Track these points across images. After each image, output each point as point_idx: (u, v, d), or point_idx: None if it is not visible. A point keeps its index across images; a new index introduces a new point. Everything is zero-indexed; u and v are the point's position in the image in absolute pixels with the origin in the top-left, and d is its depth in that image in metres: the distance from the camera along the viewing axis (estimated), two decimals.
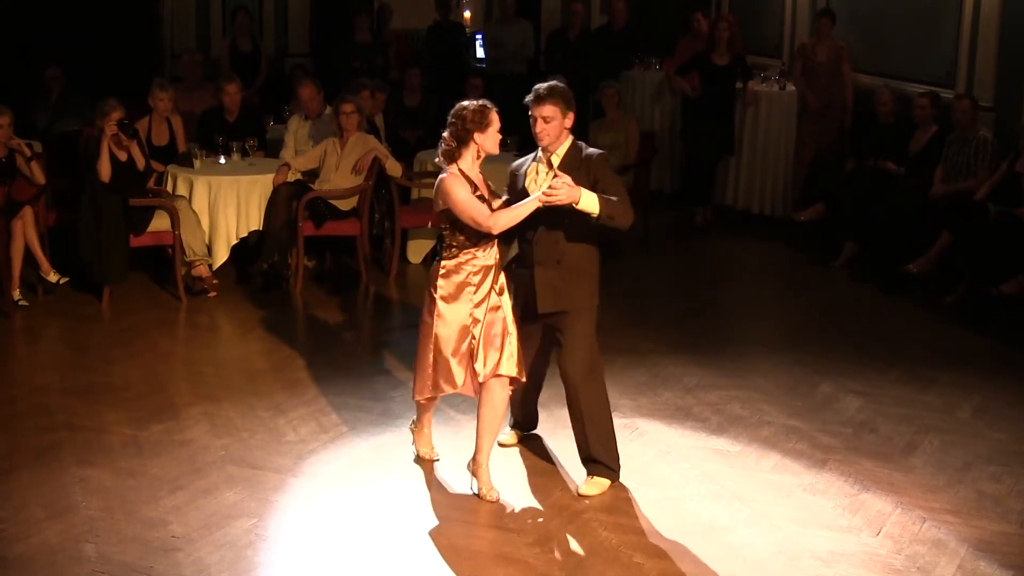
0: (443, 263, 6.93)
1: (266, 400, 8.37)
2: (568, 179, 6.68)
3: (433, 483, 7.15)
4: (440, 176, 6.92)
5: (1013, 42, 11.68)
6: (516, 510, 6.84)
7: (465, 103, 7.00)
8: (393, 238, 11.55)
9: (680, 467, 7.36)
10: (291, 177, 11.14)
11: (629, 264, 12.03)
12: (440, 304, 6.90)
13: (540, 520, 6.72)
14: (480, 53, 16.21)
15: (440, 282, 6.91)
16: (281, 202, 10.94)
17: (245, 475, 7.19)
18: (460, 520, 6.72)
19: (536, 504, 6.91)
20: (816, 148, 13.39)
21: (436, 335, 6.91)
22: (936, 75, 12.55)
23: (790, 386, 8.74)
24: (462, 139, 6.92)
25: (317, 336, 10.02)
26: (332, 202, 11.03)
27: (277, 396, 8.45)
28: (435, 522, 6.69)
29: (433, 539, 6.50)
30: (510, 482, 7.14)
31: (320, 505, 6.85)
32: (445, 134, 6.97)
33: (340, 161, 11.01)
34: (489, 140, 6.96)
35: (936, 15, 12.73)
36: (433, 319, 6.93)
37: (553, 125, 6.94)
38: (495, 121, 6.98)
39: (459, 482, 7.12)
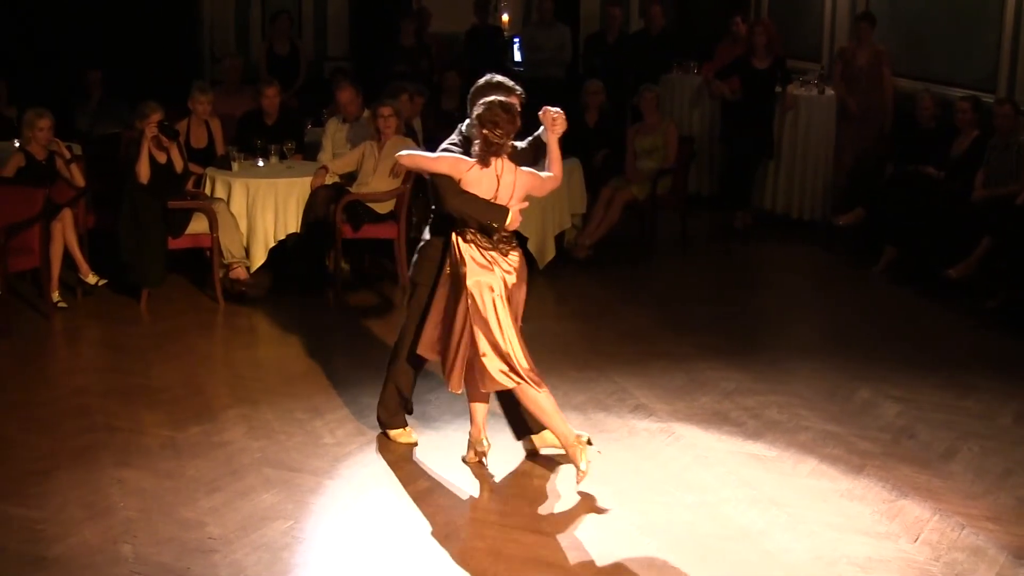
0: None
1: (303, 402, 8.39)
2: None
3: (469, 485, 7.15)
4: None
5: None
6: (553, 513, 6.83)
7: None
8: None
9: (717, 471, 7.34)
10: (329, 180, 11.16)
11: (667, 267, 12.01)
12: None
13: (575, 524, 6.71)
14: (518, 57, 16.20)
15: None
16: (319, 205, 10.97)
17: (282, 477, 7.20)
18: (496, 524, 6.71)
19: (571, 508, 6.90)
20: (856, 152, 13.34)
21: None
22: (977, 79, 12.49)
23: (828, 391, 8.70)
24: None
25: (354, 339, 10.03)
26: (370, 205, 11.05)
27: (314, 398, 8.47)
28: (471, 525, 6.69)
29: (468, 542, 6.50)
30: (542, 486, 7.13)
31: (356, 508, 6.86)
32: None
33: (378, 164, 11.03)
34: None
35: (977, 18, 12.66)
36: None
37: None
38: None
39: (495, 484, 7.12)
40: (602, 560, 6.34)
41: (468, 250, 7.03)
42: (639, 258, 12.17)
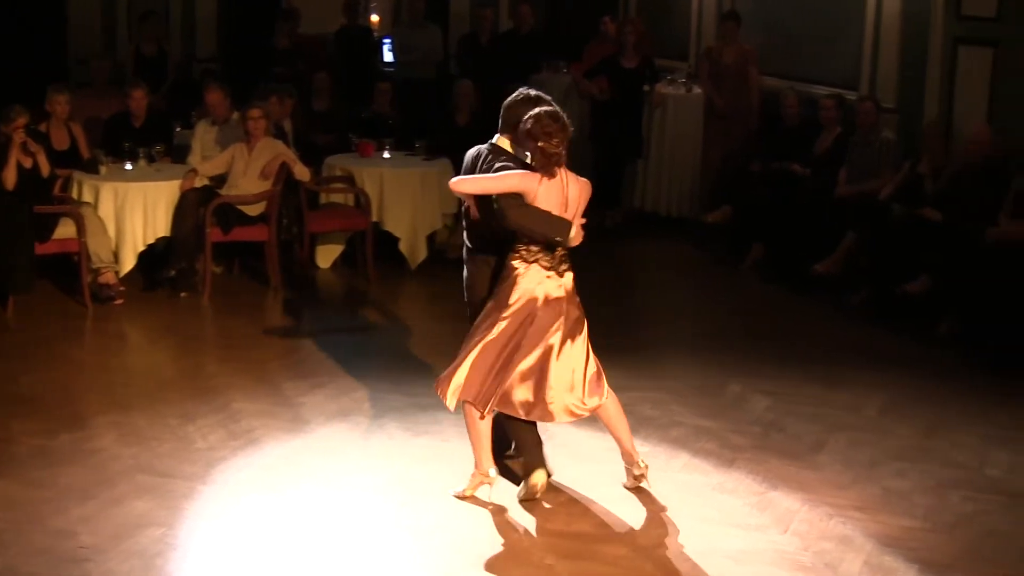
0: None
1: (175, 408, 8.31)
2: None
3: (345, 489, 7.13)
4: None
5: (914, 45, 11.84)
6: (432, 511, 6.84)
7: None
8: (302, 243, 11.52)
9: (590, 468, 7.39)
10: (199, 183, 11.07)
11: None
12: None
13: (445, 522, 6.73)
14: (388, 57, 16.18)
15: None
16: (189, 208, 10.87)
17: (155, 484, 7.13)
18: (374, 525, 6.71)
19: (446, 506, 6.92)
20: (723, 150, 13.49)
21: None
22: (840, 77, 12.71)
23: (699, 386, 8.81)
24: None
25: (226, 343, 9.97)
26: (240, 208, 10.98)
27: (186, 404, 8.39)
28: (347, 529, 6.68)
29: (344, 546, 6.49)
30: (421, 486, 7.15)
31: (231, 513, 6.82)
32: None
33: (248, 166, 10.96)
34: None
35: (840, 18, 12.88)
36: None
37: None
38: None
39: (367, 487, 7.12)
40: (474, 558, 6.36)
41: (527, 270, 6.82)
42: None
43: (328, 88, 13.63)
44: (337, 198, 11.89)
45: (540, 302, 6.78)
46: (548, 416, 6.82)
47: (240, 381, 8.81)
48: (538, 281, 6.79)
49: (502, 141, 7.05)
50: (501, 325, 6.80)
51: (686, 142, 13.94)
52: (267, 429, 7.97)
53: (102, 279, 10.63)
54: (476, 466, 6.97)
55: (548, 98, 7.01)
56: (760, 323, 10.48)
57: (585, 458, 7.55)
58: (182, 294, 10.90)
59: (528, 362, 6.75)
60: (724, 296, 11.39)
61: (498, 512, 6.86)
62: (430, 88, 14.72)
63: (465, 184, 6.93)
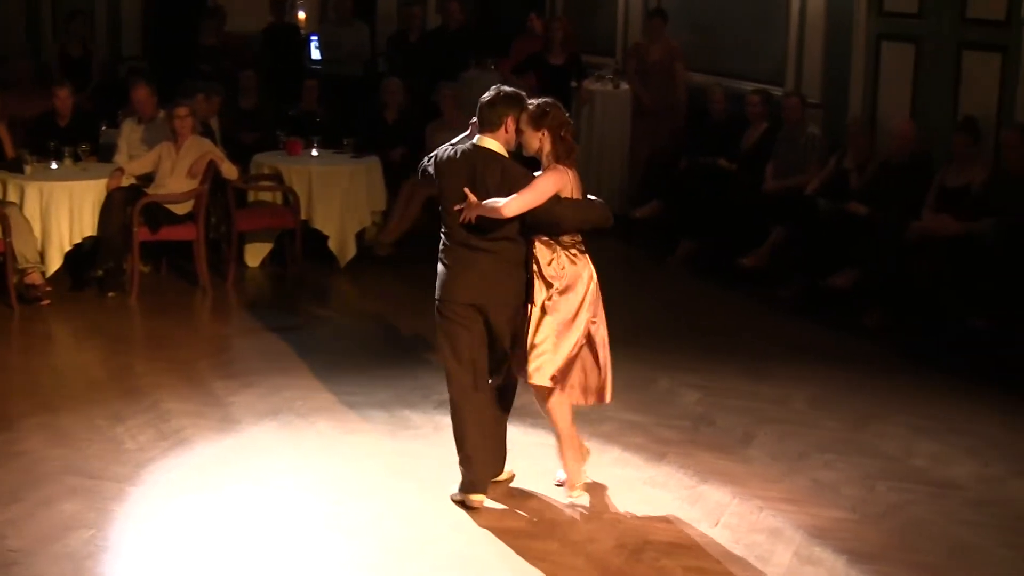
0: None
1: (104, 408, 8.25)
2: None
3: (274, 488, 7.11)
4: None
5: (838, 41, 11.95)
6: (358, 511, 6.83)
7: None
8: (230, 242, 11.46)
9: (521, 464, 7.38)
10: (125, 182, 10.99)
11: None
12: None
13: (382, 522, 6.73)
14: (316, 55, 16.12)
15: None
16: (115, 207, 10.80)
17: (83, 485, 7.07)
18: (305, 525, 6.69)
19: (377, 506, 6.91)
20: (651, 146, 13.55)
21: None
22: (766, 73, 12.80)
23: (629, 381, 8.81)
24: None
25: (155, 342, 9.91)
26: (168, 207, 10.91)
27: (115, 404, 8.34)
28: (278, 528, 6.66)
29: (276, 545, 6.47)
30: (351, 486, 7.15)
31: (161, 514, 6.77)
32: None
33: (175, 165, 10.90)
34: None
35: (765, 15, 12.97)
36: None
37: None
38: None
39: (298, 487, 7.11)
40: (409, 557, 6.37)
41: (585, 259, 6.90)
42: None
43: (255, 86, 13.56)
44: (265, 196, 11.85)
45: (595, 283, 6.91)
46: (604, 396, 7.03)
47: (169, 381, 8.76)
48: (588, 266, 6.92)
49: (486, 141, 6.82)
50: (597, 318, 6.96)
51: (614, 138, 13.99)
52: (197, 429, 7.93)
53: (28, 279, 10.54)
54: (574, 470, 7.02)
55: (524, 94, 6.93)
56: (689, 317, 10.54)
57: (517, 454, 7.55)
58: (110, 294, 10.82)
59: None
60: (653, 291, 11.45)
61: (430, 510, 6.86)
62: (358, 86, 14.67)
63: (511, 207, 6.60)
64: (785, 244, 11.03)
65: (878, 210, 10.35)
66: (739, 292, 11.10)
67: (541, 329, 6.76)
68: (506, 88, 6.92)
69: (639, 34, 14.55)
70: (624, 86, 13.99)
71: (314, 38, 16.31)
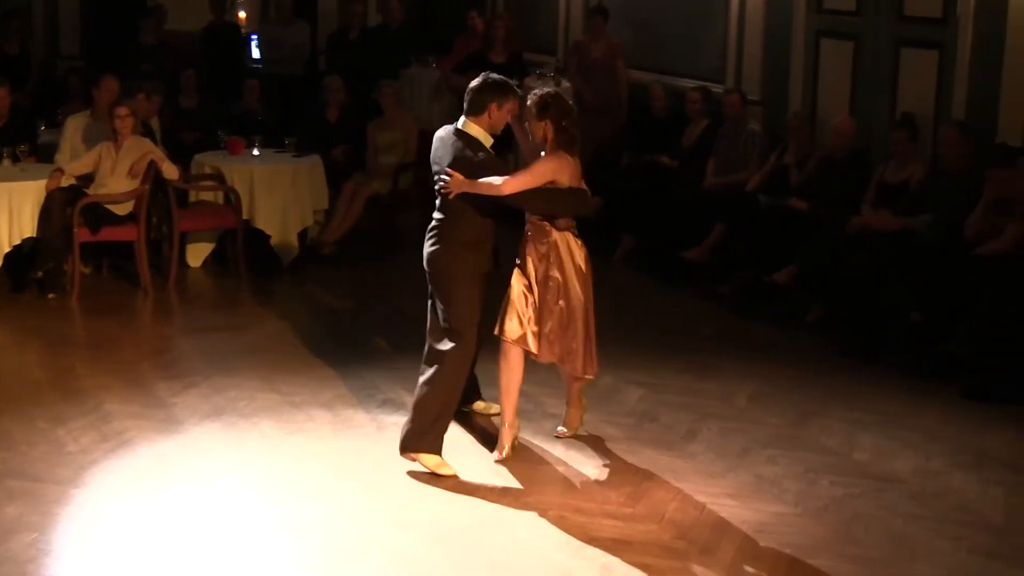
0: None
1: (45, 411, 8.19)
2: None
3: (218, 489, 7.09)
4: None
5: (777, 38, 12.03)
6: (301, 511, 6.82)
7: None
8: (172, 242, 11.40)
9: (466, 462, 7.41)
10: (65, 182, 10.91)
11: (411, 261, 11.99)
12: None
13: (326, 522, 6.73)
14: (256, 54, 16.08)
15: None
16: (55, 208, 10.72)
17: (25, 488, 7.02)
18: (244, 524, 6.68)
19: (321, 505, 6.91)
20: (593, 143, 13.54)
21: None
22: (707, 70, 12.86)
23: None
24: None
25: (96, 344, 9.84)
26: (108, 207, 10.85)
27: (57, 406, 8.28)
28: (222, 530, 6.65)
29: (220, 545, 6.45)
30: (292, 487, 7.14)
31: (104, 516, 6.74)
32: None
33: (115, 165, 10.83)
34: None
35: (705, 13, 13.03)
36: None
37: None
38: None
39: (242, 487, 7.09)
40: (354, 557, 6.37)
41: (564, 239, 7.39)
42: (383, 253, 12.21)
43: (195, 85, 13.52)
44: (207, 196, 11.80)
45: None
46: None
47: (111, 382, 8.72)
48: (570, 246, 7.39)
49: (470, 127, 7.31)
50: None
51: None
52: (139, 430, 7.89)
53: None
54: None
55: (511, 83, 7.47)
56: (631, 314, 10.56)
57: (461, 452, 7.57)
58: (50, 295, 10.75)
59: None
60: (595, 288, 11.36)
61: (376, 508, 6.87)
62: (299, 84, 14.66)
63: (509, 185, 7.15)
64: (727, 241, 11.09)
65: (818, 206, 10.43)
66: (681, 289, 11.15)
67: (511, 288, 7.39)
68: (494, 75, 7.47)
69: (580, 32, 14.59)
70: (565, 84, 13.99)
71: (254, 37, 16.26)
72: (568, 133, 7.23)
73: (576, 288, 7.35)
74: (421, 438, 7.23)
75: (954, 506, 7.00)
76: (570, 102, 7.38)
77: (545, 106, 7.23)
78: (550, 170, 7.21)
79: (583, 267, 7.38)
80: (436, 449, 7.23)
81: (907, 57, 10.73)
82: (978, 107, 9.97)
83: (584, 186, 7.48)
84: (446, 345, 7.31)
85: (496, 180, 7.11)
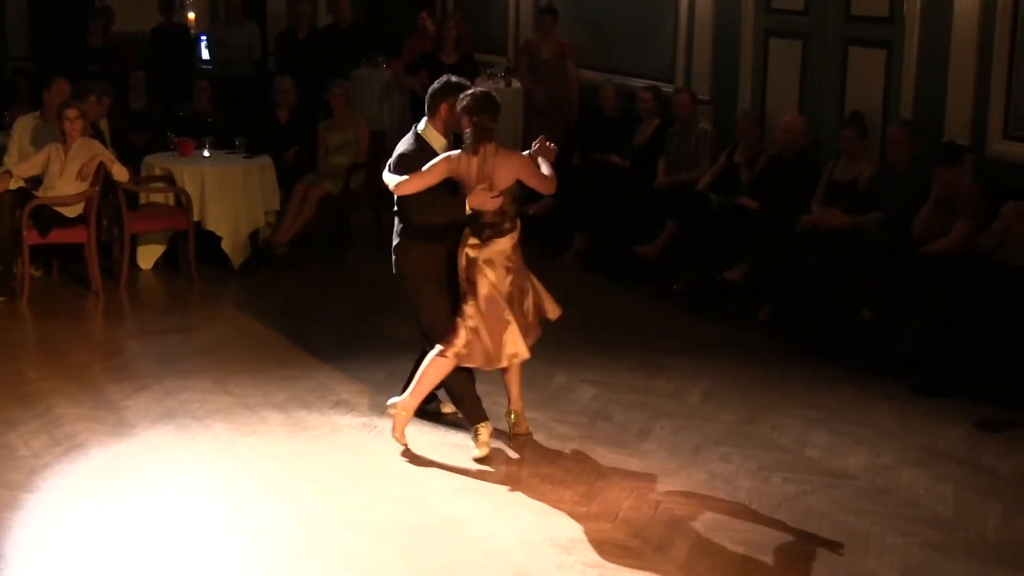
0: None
1: None
2: None
3: (171, 491, 7.07)
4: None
5: (726, 38, 12.09)
6: (254, 512, 6.81)
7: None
8: (122, 244, 11.34)
9: (421, 463, 7.42)
10: (13, 185, 10.84)
11: (363, 261, 12.02)
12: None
13: (278, 522, 6.71)
14: (205, 55, 16.02)
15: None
16: (4, 210, 10.65)
17: None
18: (198, 527, 6.66)
19: (273, 506, 6.90)
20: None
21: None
22: (657, 70, 12.91)
23: (526, 378, 8.79)
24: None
25: (47, 347, 9.79)
26: (58, 209, 10.78)
27: (7, 410, 8.22)
28: (176, 533, 6.62)
29: (176, 549, 6.43)
30: (245, 487, 7.12)
31: (56, 521, 6.70)
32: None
33: (65, 167, 10.76)
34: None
35: (655, 12, 13.07)
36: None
37: None
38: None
39: (195, 490, 7.07)
40: (305, 558, 6.35)
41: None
42: (335, 254, 12.20)
43: (145, 86, 13.46)
44: (157, 198, 11.74)
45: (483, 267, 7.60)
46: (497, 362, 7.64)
47: (62, 386, 8.67)
48: (475, 252, 7.56)
49: (428, 130, 7.59)
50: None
51: (506, 136, 13.95)
52: (91, 434, 7.85)
53: None
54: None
55: (469, 84, 7.65)
56: (583, 313, 10.55)
57: (417, 454, 7.57)
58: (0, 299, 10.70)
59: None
60: (547, 287, 11.45)
61: (330, 509, 6.86)
62: (249, 85, 14.61)
63: (406, 185, 7.41)
64: (678, 239, 11.13)
65: (768, 204, 10.49)
66: (633, 287, 11.19)
67: None
68: (453, 77, 7.66)
69: (530, 31, 14.61)
70: (516, 84, 14.04)
71: (204, 38, 16.20)
72: (481, 128, 7.33)
73: (512, 280, 7.80)
74: (466, 417, 7.75)
75: (905, 502, 7.05)
76: (496, 100, 7.46)
77: (459, 102, 7.39)
78: (443, 165, 7.39)
79: (509, 253, 7.80)
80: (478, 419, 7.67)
81: (855, 56, 10.81)
82: (925, 106, 10.05)
83: (532, 180, 7.83)
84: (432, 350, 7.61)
85: (397, 178, 7.45)
